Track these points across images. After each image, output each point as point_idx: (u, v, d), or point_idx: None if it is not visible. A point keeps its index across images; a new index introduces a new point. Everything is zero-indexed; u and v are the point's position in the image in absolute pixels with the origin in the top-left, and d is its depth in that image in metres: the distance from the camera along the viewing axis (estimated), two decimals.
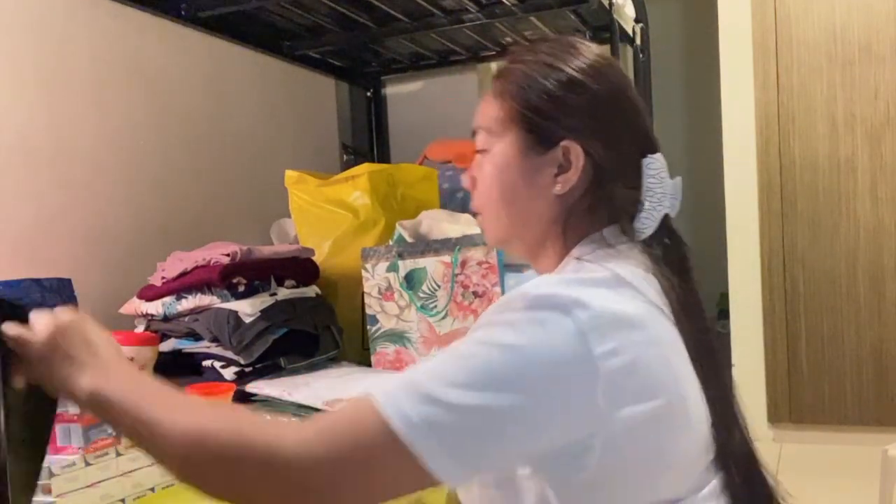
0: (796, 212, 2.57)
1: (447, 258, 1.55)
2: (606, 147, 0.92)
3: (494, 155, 0.97)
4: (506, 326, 0.78)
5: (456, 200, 2.08)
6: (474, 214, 1.05)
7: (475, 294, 1.52)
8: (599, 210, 0.93)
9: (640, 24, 2.42)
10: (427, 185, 1.98)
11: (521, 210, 0.96)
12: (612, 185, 0.92)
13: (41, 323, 0.83)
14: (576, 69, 0.93)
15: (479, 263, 1.53)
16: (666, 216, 0.94)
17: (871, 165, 2.49)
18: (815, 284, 2.56)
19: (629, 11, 2.34)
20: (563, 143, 0.91)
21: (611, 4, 2.10)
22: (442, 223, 1.71)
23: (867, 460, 2.01)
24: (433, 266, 1.56)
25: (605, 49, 0.99)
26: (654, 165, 0.93)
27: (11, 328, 0.82)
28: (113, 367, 0.82)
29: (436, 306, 1.55)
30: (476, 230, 1.70)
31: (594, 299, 0.79)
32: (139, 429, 0.77)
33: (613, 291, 0.82)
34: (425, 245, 1.59)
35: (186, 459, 0.75)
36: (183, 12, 1.92)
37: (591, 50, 0.96)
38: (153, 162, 1.85)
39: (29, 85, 1.57)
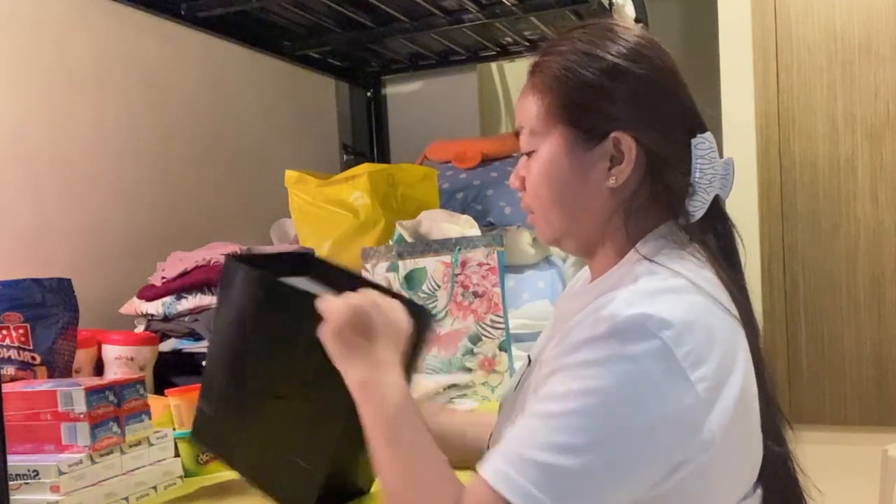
0: (796, 212, 2.57)
1: (447, 258, 1.55)
2: (658, 133, 0.87)
3: (541, 155, 0.91)
4: (598, 368, 0.75)
5: (456, 200, 2.08)
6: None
7: (475, 294, 1.52)
8: (658, 200, 0.89)
9: (640, 24, 2.42)
10: (427, 185, 1.98)
11: (575, 208, 0.91)
12: (668, 171, 0.88)
13: (333, 307, 0.87)
14: (616, 54, 0.88)
15: (480, 264, 1.53)
16: (716, 199, 0.90)
17: (871, 165, 2.49)
18: (815, 285, 2.56)
19: (629, 11, 2.33)
20: (613, 134, 0.87)
21: (611, 4, 2.10)
22: (442, 223, 1.71)
23: (867, 460, 2.01)
24: (433, 266, 1.55)
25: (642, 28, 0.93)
26: (704, 146, 0.89)
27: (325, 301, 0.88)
28: (376, 376, 0.86)
29: (436, 306, 1.55)
30: (475, 231, 1.70)
31: (685, 319, 0.77)
32: (373, 442, 0.85)
33: (703, 305, 0.80)
34: (425, 245, 1.59)
35: (390, 486, 0.83)
36: (183, 12, 1.92)
37: (629, 31, 0.91)
38: (153, 162, 1.85)
39: (28, 85, 1.57)
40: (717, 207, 0.92)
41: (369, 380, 0.86)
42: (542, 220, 0.95)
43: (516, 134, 0.96)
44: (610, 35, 0.90)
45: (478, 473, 0.78)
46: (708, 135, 0.90)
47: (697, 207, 0.89)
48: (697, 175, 0.88)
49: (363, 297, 0.89)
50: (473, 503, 0.77)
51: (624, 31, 0.91)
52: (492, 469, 0.77)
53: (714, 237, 0.91)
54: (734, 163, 0.91)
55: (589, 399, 0.75)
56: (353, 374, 0.87)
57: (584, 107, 0.88)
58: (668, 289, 0.81)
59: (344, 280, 1.07)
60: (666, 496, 0.78)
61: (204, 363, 1.49)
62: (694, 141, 0.89)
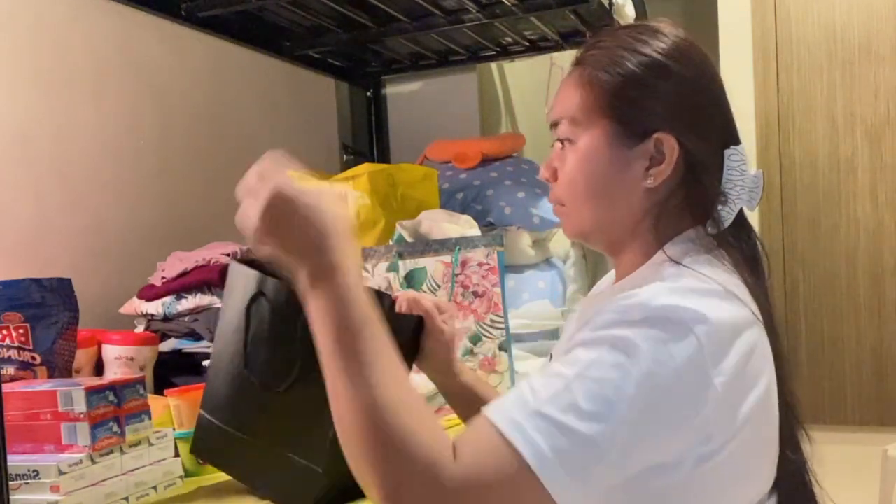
0: (796, 212, 2.57)
1: (447, 258, 1.55)
2: (697, 137, 0.88)
3: (580, 147, 0.90)
4: (628, 344, 0.75)
5: (456, 200, 2.08)
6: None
7: (475, 294, 1.52)
8: (690, 204, 0.89)
9: None
10: (427, 185, 1.97)
11: (609, 204, 0.90)
12: (704, 177, 0.88)
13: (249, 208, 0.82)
14: (662, 52, 0.88)
15: (480, 264, 1.53)
16: (740, 211, 0.91)
17: (871, 165, 2.49)
18: (815, 284, 2.56)
19: (629, 11, 2.33)
20: (656, 135, 0.87)
21: (611, 4, 2.10)
22: (442, 223, 1.71)
23: (867, 460, 2.01)
24: (433, 266, 1.55)
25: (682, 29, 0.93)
26: (737, 157, 0.89)
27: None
28: (328, 275, 0.76)
29: None
30: (475, 231, 1.70)
31: (717, 317, 0.77)
32: (329, 359, 0.75)
33: (730, 307, 0.80)
34: (425, 245, 1.58)
35: (354, 421, 0.73)
36: (183, 12, 1.92)
37: (675, 33, 0.91)
38: (153, 162, 1.85)
39: (28, 85, 1.57)
40: (741, 219, 0.92)
41: (314, 288, 0.76)
42: (572, 212, 0.94)
43: (552, 125, 0.94)
44: (657, 35, 0.90)
45: (485, 416, 0.75)
46: (741, 147, 0.90)
47: (724, 219, 0.89)
48: (728, 186, 0.88)
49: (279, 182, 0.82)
50: (478, 444, 0.73)
51: (671, 32, 0.91)
52: (506, 417, 0.74)
53: (739, 246, 0.91)
54: (763, 176, 0.91)
55: (616, 373, 0.74)
56: (301, 277, 0.78)
57: (631, 103, 0.88)
58: (699, 289, 0.80)
59: None
60: (675, 492, 0.78)
61: (206, 363, 1.50)
62: (727, 152, 0.89)
